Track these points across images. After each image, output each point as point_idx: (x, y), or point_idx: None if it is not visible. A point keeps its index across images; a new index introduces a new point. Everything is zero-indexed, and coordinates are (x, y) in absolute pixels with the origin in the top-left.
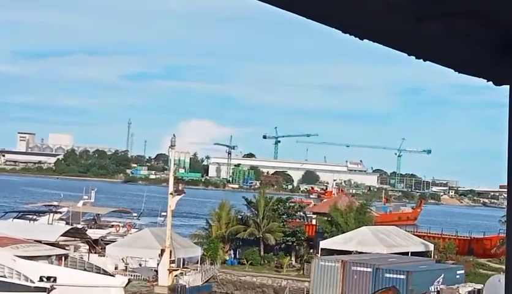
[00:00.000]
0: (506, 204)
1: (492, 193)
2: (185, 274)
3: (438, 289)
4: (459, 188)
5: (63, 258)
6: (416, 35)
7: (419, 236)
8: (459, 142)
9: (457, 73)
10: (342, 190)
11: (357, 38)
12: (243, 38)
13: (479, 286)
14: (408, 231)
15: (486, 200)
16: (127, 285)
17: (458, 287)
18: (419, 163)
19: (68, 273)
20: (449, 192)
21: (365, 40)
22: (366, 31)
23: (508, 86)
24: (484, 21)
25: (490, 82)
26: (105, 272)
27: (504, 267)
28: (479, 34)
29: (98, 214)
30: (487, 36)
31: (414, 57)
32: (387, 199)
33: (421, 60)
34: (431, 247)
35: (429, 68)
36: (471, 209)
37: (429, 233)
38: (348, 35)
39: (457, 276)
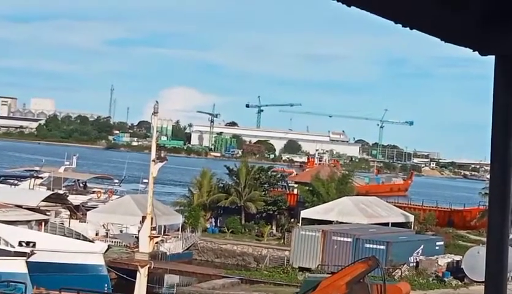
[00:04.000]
0: (487, 176)
1: (473, 166)
2: (166, 241)
3: (418, 260)
4: (440, 160)
5: (43, 224)
6: (401, 1)
7: (399, 207)
8: (441, 114)
9: (443, 42)
10: (337, 161)
11: (344, 5)
12: (227, 6)
13: (458, 257)
14: (389, 202)
15: (467, 172)
16: (106, 251)
17: (437, 258)
18: (401, 135)
19: (47, 238)
20: (430, 164)
21: (352, 7)
22: None
23: (494, 56)
24: None
25: (476, 53)
26: (85, 238)
27: (485, 239)
28: (464, 1)
29: (79, 180)
30: (472, 2)
31: (401, 26)
32: (378, 171)
33: (408, 28)
34: (411, 218)
35: (414, 38)
36: (451, 180)
37: (410, 204)
38: (335, 1)
39: (437, 247)
